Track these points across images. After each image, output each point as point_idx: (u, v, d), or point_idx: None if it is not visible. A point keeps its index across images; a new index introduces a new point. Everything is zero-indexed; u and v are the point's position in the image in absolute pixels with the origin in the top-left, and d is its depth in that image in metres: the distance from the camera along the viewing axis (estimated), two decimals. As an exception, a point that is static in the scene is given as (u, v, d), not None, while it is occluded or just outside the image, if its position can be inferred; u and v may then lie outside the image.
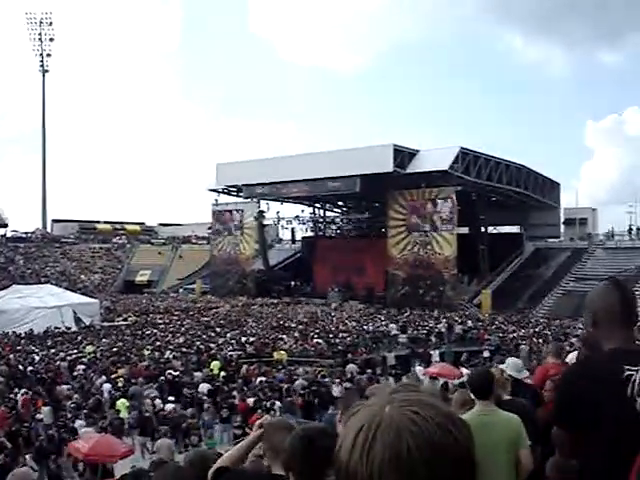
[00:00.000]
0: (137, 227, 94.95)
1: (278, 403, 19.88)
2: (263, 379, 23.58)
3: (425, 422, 1.11)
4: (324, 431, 2.75)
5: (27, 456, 15.60)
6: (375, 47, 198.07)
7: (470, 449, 1.15)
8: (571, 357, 8.56)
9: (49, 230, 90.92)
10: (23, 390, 21.58)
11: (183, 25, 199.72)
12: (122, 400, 20.71)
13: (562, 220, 63.44)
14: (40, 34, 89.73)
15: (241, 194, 64.81)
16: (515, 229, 64.64)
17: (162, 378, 23.74)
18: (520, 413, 4.71)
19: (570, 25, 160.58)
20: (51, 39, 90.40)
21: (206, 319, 43.86)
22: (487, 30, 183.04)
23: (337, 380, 22.27)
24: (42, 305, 40.15)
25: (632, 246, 55.11)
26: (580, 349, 7.90)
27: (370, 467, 1.09)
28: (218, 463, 3.40)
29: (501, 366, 6.95)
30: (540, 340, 32.35)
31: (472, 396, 4.88)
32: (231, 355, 28.83)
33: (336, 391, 20.76)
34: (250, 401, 20.34)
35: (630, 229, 59.04)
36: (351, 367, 25.77)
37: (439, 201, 51.98)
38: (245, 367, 25.93)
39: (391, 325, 37.67)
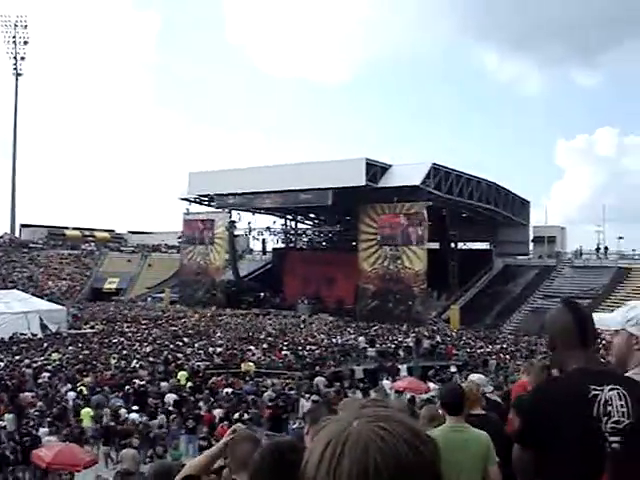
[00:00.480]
0: (106, 234, 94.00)
1: (245, 415, 19.78)
2: (230, 390, 23.48)
3: (392, 438, 1.12)
4: (294, 445, 2.74)
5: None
6: (352, 61, 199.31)
7: (436, 465, 1.16)
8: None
9: (17, 235, 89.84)
10: (-15, 397, 21.32)
11: (160, 33, 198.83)
12: (87, 409, 20.52)
13: (531, 238, 64.04)
14: (14, 37, 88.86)
15: (213, 204, 64.62)
16: (485, 245, 65.14)
17: (128, 387, 23.57)
18: (493, 428, 4.73)
19: (544, 44, 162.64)
20: (25, 42, 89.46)
21: (174, 329, 43.57)
22: (463, 48, 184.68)
23: (307, 395, 22.14)
24: (8, 311, 39.65)
25: (600, 265, 55.80)
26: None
27: None
28: (184, 471, 3.37)
29: (470, 378, 6.99)
30: (507, 356, 32.61)
31: (441, 411, 4.90)
32: (198, 365, 28.67)
33: (305, 405, 20.69)
34: (217, 412, 20.24)
35: (598, 248, 59.77)
36: (319, 380, 25.73)
37: (410, 216, 52.19)
38: (214, 377, 25.83)
39: (360, 338, 37.67)
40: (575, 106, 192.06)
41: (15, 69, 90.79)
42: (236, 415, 19.34)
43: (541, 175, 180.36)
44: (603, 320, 2.86)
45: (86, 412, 20.29)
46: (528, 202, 65.59)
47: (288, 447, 2.67)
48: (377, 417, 1.17)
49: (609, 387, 2.45)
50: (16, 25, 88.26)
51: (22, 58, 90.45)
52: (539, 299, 52.21)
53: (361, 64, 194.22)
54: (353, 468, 1.09)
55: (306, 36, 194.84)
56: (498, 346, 37.16)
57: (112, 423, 19.59)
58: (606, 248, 59.38)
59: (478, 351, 34.72)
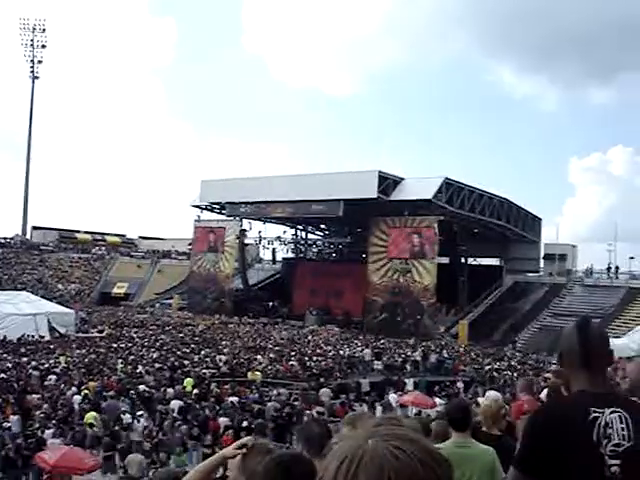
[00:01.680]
0: (117, 239, 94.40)
1: (251, 425, 19.71)
2: (235, 399, 23.42)
3: (407, 457, 1.13)
4: (299, 457, 2.72)
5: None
6: (367, 72, 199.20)
7: None
8: (545, 393, 8.59)
9: (28, 237, 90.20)
10: (-8, 397, 21.36)
11: (177, 41, 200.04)
12: (92, 413, 20.49)
13: (542, 255, 63.79)
14: (32, 40, 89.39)
15: (224, 212, 64.74)
16: (495, 261, 64.95)
17: (132, 392, 23.57)
18: (506, 452, 4.67)
19: (560, 62, 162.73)
20: (43, 46, 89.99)
21: (181, 335, 43.58)
22: (478, 62, 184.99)
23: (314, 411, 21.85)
24: (17, 312, 39.75)
25: (610, 284, 55.53)
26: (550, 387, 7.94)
27: None
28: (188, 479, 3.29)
29: (480, 399, 6.93)
30: (515, 374, 32.47)
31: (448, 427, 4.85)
32: (204, 373, 28.63)
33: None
34: (221, 421, 20.20)
35: (609, 267, 59.40)
36: (325, 391, 25.64)
37: (421, 230, 52.15)
38: (214, 385, 25.78)
39: (366, 351, 37.57)
40: (589, 124, 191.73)
41: (32, 72, 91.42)
42: (244, 423, 19.29)
43: (553, 192, 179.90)
44: (614, 346, 2.84)
45: (91, 416, 20.26)
46: (540, 219, 65.57)
47: (293, 460, 2.65)
48: (392, 436, 1.18)
49: (610, 410, 2.43)
50: (34, 29, 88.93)
51: (39, 62, 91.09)
52: (548, 317, 52.00)
53: (375, 76, 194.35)
54: None
55: (321, 46, 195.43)
56: (506, 363, 37.01)
57: (116, 428, 19.57)
58: (617, 268, 58.99)
59: (485, 367, 34.59)
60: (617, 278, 57.22)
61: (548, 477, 2.40)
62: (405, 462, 1.12)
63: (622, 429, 2.39)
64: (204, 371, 29.06)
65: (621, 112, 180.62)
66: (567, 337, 2.70)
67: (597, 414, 2.42)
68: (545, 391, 8.72)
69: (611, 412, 2.42)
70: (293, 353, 36.10)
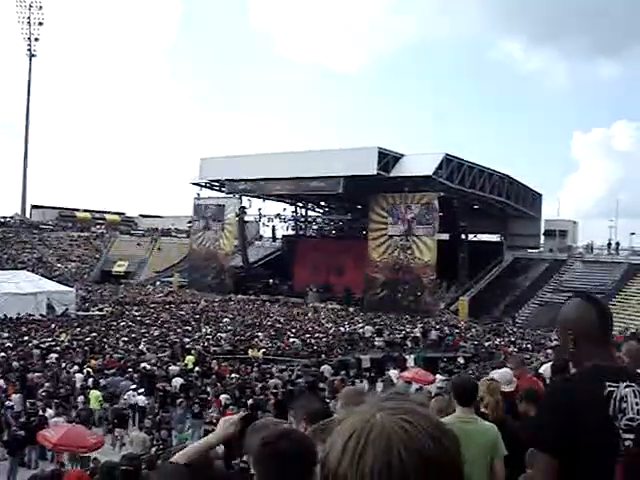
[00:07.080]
0: (117, 217, 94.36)
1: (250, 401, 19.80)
2: (236, 376, 23.53)
3: (416, 431, 1.13)
4: (287, 433, 2.66)
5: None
6: (373, 48, 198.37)
7: (459, 460, 1.17)
8: (544, 368, 8.61)
9: (27, 215, 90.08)
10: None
11: (180, 16, 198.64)
12: (94, 391, 20.57)
13: (542, 231, 63.72)
14: (29, 17, 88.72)
15: (223, 189, 64.70)
16: (495, 238, 64.88)
17: (130, 370, 23.67)
18: (507, 434, 4.63)
19: (564, 37, 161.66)
20: (40, 23, 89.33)
21: (182, 313, 43.71)
22: (481, 39, 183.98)
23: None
24: (17, 291, 39.79)
25: (610, 260, 55.42)
26: (554, 364, 7.93)
27: (361, 473, 1.10)
28: (180, 458, 3.17)
29: (492, 374, 6.89)
30: (515, 349, 32.57)
31: (453, 402, 4.84)
32: (206, 350, 28.73)
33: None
34: (223, 397, 20.28)
35: (609, 243, 59.36)
36: (325, 368, 25.77)
37: (421, 206, 52.05)
38: (215, 362, 25.91)
39: (367, 327, 37.68)
40: (593, 99, 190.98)
41: (29, 50, 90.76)
42: (250, 401, 19.37)
43: (556, 168, 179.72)
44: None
45: (95, 395, 20.32)
46: (540, 195, 65.38)
47: (280, 436, 2.59)
48: (400, 410, 1.17)
49: (625, 384, 2.44)
50: (31, 6, 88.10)
51: (36, 39, 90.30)
52: (548, 293, 52.04)
53: (380, 51, 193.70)
54: (377, 460, 1.10)
55: (326, 22, 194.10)
56: (506, 339, 37.12)
57: (118, 405, 19.67)
58: (617, 244, 58.95)
59: (485, 343, 34.69)
60: (618, 254, 57.12)
61: (568, 454, 2.39)
62: (414, 435, 1.12)
63: (636, 403, 2.42)
64: (205, 348, 29.18)
65: (626, 86, 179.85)
66: (581, 311, 2.64)
67: (612, 388, 2.42)
68: (545, 366, 8.74)
69: (625, 386, 2.43)
70: (294, 330, 36.21)
